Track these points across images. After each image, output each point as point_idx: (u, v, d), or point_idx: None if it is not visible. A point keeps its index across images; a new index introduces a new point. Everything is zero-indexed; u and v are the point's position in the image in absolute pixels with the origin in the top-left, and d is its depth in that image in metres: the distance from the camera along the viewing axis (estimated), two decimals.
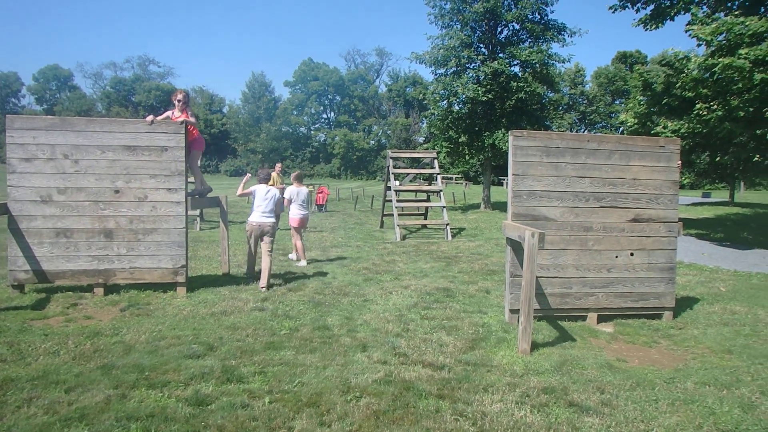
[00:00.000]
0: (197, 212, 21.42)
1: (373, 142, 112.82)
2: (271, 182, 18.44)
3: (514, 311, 8.44)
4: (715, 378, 6.59)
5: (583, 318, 9.03)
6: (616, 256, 9.01)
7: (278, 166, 22.27)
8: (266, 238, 11.21)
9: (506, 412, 5.44)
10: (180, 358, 6.63)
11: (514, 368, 6.70)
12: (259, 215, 11.30)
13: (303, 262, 13.71)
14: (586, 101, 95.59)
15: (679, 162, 9.28)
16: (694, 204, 43.42)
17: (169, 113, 10.51)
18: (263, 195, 11.35)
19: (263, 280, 10.74)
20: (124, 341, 7.25)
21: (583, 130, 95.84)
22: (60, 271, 9.66)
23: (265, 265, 10.98)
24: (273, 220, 11.39)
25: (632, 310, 9.19)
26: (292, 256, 14.45)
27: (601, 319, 9.00)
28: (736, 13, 18.76)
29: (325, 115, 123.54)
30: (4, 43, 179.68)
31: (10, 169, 9.47)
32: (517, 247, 8.23)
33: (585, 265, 8.92)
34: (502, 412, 5.45)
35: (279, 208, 11.71)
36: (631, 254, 9.06)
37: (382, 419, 5.20)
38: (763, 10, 19.34)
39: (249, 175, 13.52)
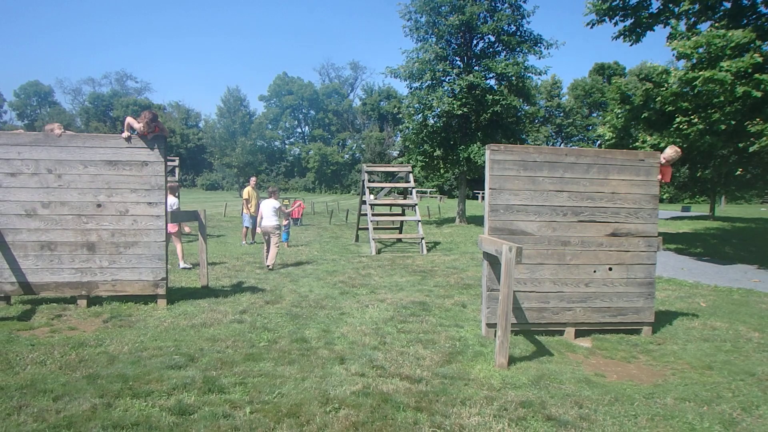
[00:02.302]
0: None
1: (347, 156, 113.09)
2: (245, 195, 20.65)
3: (491, 325, 8.49)
4: (695, 394, 6.63)
5: (561, 332, 9.06)
6: (594, 271, 9.04)
7: (253, 180, 22.48)
8: (272, 236, 15.55)
9: (484, 426, 5.52)
10: (162, 368, 6.73)
11: (492, 382, 6.77)
12: (266, 220, 15.70)
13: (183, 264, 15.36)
14: (562, 114, 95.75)
15: (660, 176, 9.35)
16: (674, 218, 43.44)
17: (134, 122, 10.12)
18: (267, 206, 15.85)
19: (269, 261, 15.20)
20: (108, 352, 7.37)
21: (559, 143, 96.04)
22: (44, 283, 9.77)
23: (272, 252, 15.28)
24: (275, 223, 15.77)
25: (610, 325, 9.20)
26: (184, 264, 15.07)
27: (579, 334, 9.03)
28: (718, 25, 18.80)
29: (299, 129, 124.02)
30: None
31: None
32: (494, 261, 8.25)
33: (562, 279, 8.96)
34: (480, 425, 5.53)
35: (279, 214, 16.23)
36: (610, 269, 9.09)
37: (361, 430, 5.28)
38: (745, 21, 19.34)
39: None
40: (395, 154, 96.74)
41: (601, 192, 9.05)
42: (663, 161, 9.42)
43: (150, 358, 7.10)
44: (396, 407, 5.84)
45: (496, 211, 8.77)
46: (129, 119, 10.22)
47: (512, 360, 7.52)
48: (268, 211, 15.88)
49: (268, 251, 15.64)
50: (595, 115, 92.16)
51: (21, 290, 9.73)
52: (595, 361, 7.90)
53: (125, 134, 9.99)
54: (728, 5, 20.22)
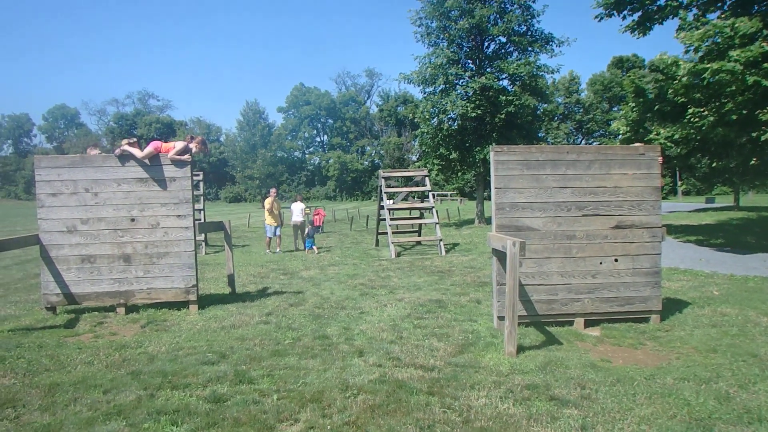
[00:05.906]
0: (202, 237, 21.88)
1: (366, 162, 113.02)
2: (268, 206, 21.59)
3: (502, 317, 8.56)
4: (695, 374, 6.78)
5: (570, 323, 9.25)
6: (601, 263, 9.24)
7: (273, 191, 23.35)
8: (300, 229, 23.34)
9: (490, 405, 5.90)
10: (197, 364, 7.27)
11: (500, 368, 7.11)
12: (295, 217, 23.11)
13: None
14: (582, 110, 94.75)
15: (660, 159, 9.50)
16: (697, 210, 42.97)
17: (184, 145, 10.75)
18: (297, 207, 23.66)
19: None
20: (148, 352, 7.92)
21: (580, 139, 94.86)
22: (86, 294, 10.36)
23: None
24: (302, 219, 23.43)
25: (619, 314, 9.36)
26: None
27: (588, 324, 9.19)
28: (727, 13, 18.65)
29: (318, 139, 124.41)
30: (16, 87, 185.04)
31: (39, 204, 10.21)
32: (502, 256, 8.46)
33: (570, 272, 9.18)
34: (486, 405, 5.92)
35: (304, 214, 23.87)
36: (616, 260, 9.26)
37: (378, 412, 5.74)
38: (756, 8, 19.10)
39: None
40: (414, 158, 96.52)
41: (603, 186, 9.27)
42: None
43: (186, 356, 7.64)
44: (410, 392, 6.27)
45: (502, 209, 9.09)
46: (162, 146, 10.75)
47: (522, 349, 7.82)
48: (297, 210, 23.48)
49: (301, 240, 22.90)
50: (615, 109, 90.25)
51: (65, 301, 10.34)
52: (602, 348, 8.09)
53: (143, 153, 10.46)
54: None
